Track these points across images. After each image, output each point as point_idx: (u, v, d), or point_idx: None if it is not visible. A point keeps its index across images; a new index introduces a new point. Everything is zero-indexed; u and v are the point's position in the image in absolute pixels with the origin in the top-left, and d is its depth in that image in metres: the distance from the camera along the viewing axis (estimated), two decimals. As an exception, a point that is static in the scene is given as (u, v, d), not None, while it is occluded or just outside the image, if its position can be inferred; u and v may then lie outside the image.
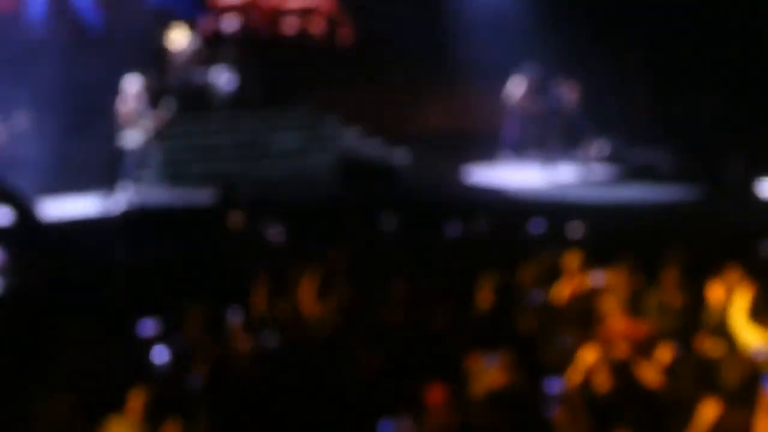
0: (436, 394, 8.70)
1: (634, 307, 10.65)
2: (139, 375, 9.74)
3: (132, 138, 21.22)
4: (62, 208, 17.29)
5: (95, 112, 22.78)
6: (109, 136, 21.22)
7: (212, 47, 24.53)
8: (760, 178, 19.25)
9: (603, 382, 8.75)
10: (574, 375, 8.93)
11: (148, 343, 10.47)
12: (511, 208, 16.72)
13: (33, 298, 13.10)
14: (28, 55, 24.42)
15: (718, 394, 8.47)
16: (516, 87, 23.53)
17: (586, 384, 8.86)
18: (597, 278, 11.14)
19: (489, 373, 9.01)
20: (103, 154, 21.59)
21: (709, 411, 8.10)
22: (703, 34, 24.14)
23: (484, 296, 11.22)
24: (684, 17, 24.25)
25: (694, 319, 10.75)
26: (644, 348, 9.77)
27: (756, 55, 23.81)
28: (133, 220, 17.13)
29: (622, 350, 9.14)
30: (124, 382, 9.11)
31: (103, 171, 20.95)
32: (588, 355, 8.98)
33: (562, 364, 9.27)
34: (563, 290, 11.48)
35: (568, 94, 21.59)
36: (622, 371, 8.76)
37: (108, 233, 16.81)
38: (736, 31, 23.90)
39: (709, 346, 10.11)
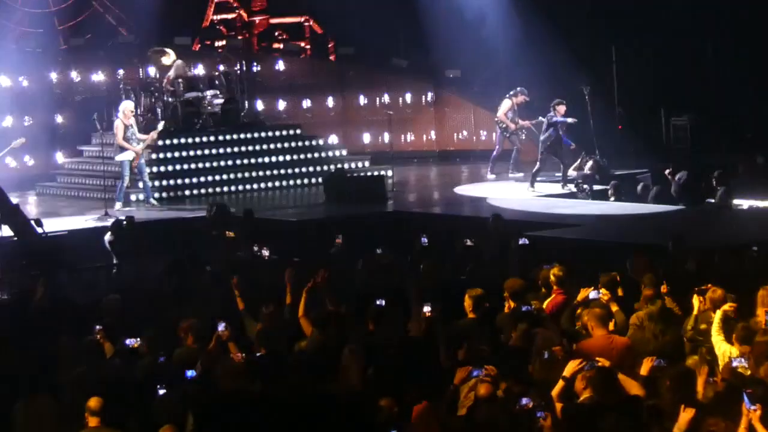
0: (422, 409, 8.74)
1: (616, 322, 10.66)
2: (127, 385, 9.76)
3: (125, 158, 21.28)
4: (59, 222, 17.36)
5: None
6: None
7: (203, 67, 24.60)
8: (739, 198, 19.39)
9: (584, 391, 8.79)
10: (557, 385, 8.98)
11: (135, 354, 10.48)
12: (498, 223, 16.69)
13: (26, 308, 13.07)
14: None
15: (696, 404, 8.52)
16: (505, 107, 23.61)
17: (569, 394, 8.89)
18: (581, 293, 11.15)
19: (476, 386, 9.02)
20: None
21: (686, 418, 8.13)
22: (686, 59, 24.34)
23: (469, 309, 11.24)
24: (664, 43, 24.47)
25: (677, 332, 10.79)
26: (624, 360, 9.83)
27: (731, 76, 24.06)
28: (126, 235, 17.12)
29: (602, 362, 9.19)
30: (111, 392, 9.14)
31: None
32: (569, 367, 9.03)
33: (546, 376, 9.31)
34: (547, 304, 11.52)
35: (560, 113, 21.66)
36: (602, 381, 8.80)
37: (101, 248, 16.82)
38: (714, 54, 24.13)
39: (690, 358, 10.16)
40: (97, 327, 11.08)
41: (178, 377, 9.58)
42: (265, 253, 14.70)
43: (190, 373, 9.46)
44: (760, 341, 9.57)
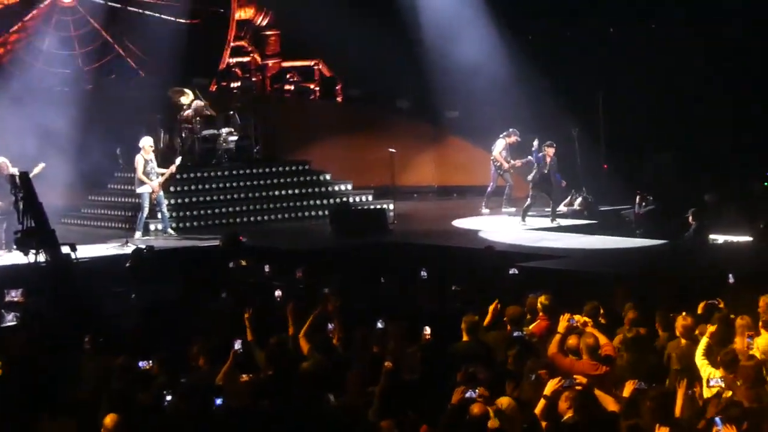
0: None
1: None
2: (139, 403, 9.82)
3: (145, 190, 21.41)
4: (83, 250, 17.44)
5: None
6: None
7: (218, 106, 24.74)
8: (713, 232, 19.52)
9: (568, 411, 8.88)
10: (539, 404, 9.09)
11: (149, 374, 10.53)
12: (492, 255, 16.81)
13: (47, 330, 13.16)
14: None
15: (673, 422, 8.61)
16: (500, 147, 23.77)
17: (552, 412, 8.99)
18: (567, 320, 11.23)
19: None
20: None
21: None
22: (670, 100, 24.51)
23: (465, 335, 11.34)
24: (646, 84, 24.64)
25: (653, 358, 10.86)
26: (605, 382, 9.93)
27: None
28: (146, 263, 17.22)
29: (579, 379, 9.30)
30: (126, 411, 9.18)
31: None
32: (549, 386, 9.14)
33: (533, 396, 9.40)
34: (532, 329, 11.62)
35: (549, 154, 21.82)
36: (582, 401, 8.89)
37: (123, 275, 16.91)
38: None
39: (670, 380, 10.23)
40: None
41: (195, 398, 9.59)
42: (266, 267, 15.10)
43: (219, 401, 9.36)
44: (747, 366, 9.62)
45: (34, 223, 16.63)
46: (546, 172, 21.84)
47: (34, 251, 16.41)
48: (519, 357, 10.44)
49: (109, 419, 8.84)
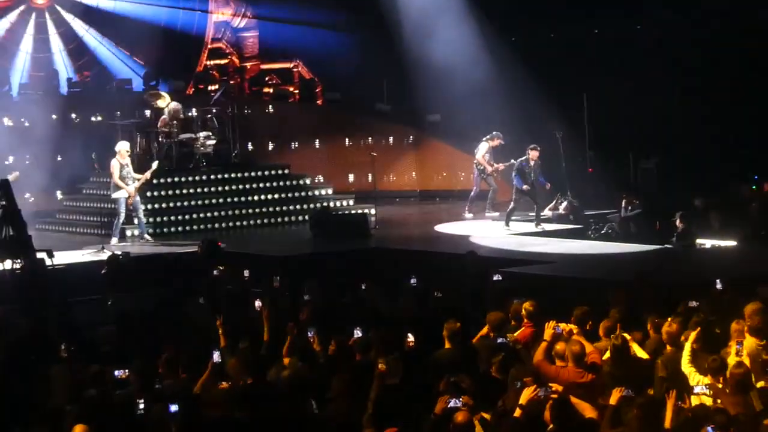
0: None
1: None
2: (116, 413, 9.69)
3: (121, 195, 21.27)
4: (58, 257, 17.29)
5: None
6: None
7: (195, 110, 24.62)
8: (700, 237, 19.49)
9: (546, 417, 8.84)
10: (515, 413, 9.04)
11: (124, 384, 10.42)
12: (475, 261, 16.72)
13: (18, 338, 13.01)
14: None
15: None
16: (483, 150, 23.72)
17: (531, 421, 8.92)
18: (547, 327, 11.16)
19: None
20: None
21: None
22: (654, 104, 24.50)
23: (447, 342, 11.26)
24: (634, 89, 24.63)
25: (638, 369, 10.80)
26: (591, 390, 9.86)
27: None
28: (122, 269, 17.09)
29: (554, 387, 9.25)
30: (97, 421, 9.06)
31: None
32: (525, 394, 9.08)
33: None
34: (520, 336, 11.54)
35: (532, 157, 21.78)
36: (558, 410, 8.84)
37: (98, 281, 16.79)
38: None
39: (655, 388, 10.16)
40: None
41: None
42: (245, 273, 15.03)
43: (173, 408, 9.18)
44: (736, 373, 9.56)
45: (12, 231, 16.50)
46: (531, 175, 21.79)
47: (11, 259, 16.28)
48: (504, 364, 10.36)
49: (78, 429, 8.74)
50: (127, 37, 29.34)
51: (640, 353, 11.01)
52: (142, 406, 9.48)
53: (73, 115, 26.47)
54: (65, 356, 11.38)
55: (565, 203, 23.07)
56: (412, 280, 14.70)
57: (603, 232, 20.91)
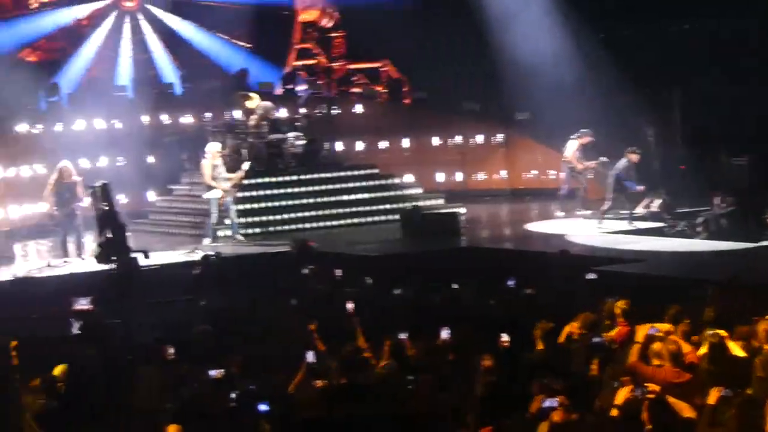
0: None
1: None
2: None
3: (213, 196, 21.52)
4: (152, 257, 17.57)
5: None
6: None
7: (285, 111, 24.84)
8: None
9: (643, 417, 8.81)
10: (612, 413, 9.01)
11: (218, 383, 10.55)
12: (567, 260, 16.66)
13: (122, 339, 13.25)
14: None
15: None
16: (573, 148, 23.60)
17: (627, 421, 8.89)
18: (648, 327, 11.10)
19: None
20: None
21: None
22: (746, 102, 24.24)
23: (539, 342, 11.26)
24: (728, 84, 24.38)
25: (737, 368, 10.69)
26: (687, 391, 9.79)
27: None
28: (214, 270, 17.31)
29: (651, 387, 9.20)
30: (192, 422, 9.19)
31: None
32: (621, 395, 9.05)
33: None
34: (615, 335, 11.50)
35: (633, 161, 21.60)
36: (655, 409, 8.80)
37: (191, 282, 17.01)
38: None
39: (753, 389, 10.06)
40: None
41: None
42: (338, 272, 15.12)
43: (263, 407, 9.30)
44: None
45: (112, 234, 16.79)
46: (624, 178, 21.61)
47: (112, 262, 16.57)
48: (601, 364, 10.36)
49: (172, 429, 8.88)
50: (222, 23, 29.70)
51: (738, 352, 10.91)
52: (235, 405, 9.60)
53: (164, 116, 26.84)
54: (170, 359, 11.50)
55: (658, 201, 22.85)
56: (510, 282, 14.63)
57: (696, 229, 20.68)
